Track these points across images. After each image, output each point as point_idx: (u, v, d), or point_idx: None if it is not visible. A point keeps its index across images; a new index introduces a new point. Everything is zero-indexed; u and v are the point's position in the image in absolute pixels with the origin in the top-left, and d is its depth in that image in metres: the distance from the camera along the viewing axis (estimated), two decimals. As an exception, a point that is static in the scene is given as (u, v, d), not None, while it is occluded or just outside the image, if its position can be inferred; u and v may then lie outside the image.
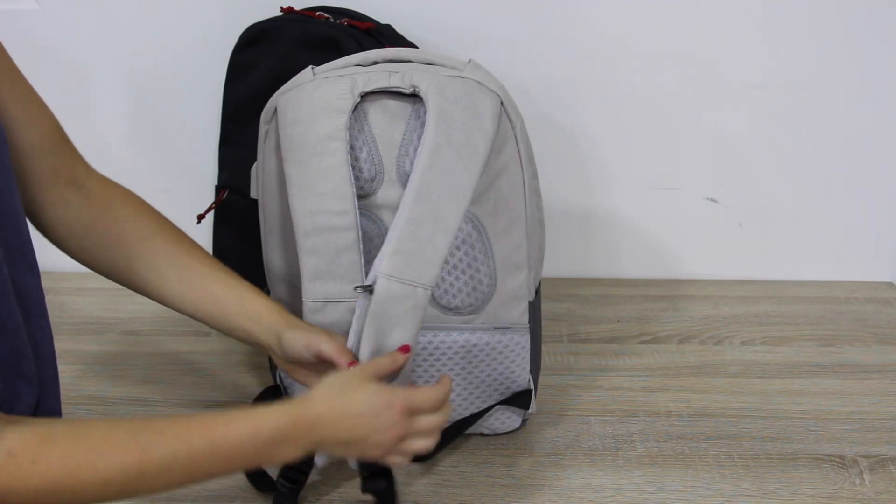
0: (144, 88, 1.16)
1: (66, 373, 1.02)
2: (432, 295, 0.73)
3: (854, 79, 1.10)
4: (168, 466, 0.56)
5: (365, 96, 0.74)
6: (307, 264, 0.75)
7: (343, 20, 0.96)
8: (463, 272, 0.77)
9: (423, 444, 0.67)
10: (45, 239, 0.73)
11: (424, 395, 0.66)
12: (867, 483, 0.82)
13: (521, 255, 0.79)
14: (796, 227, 1.20)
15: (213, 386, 0.99)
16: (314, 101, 0.75)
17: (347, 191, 0.73)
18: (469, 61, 0.78)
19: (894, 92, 1.11)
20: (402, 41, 1.00)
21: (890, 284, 1.22)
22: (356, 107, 0.74)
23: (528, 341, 0.83)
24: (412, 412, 0.65)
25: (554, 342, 1.07)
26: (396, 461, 0.67)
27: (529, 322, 0.83)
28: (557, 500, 0.80)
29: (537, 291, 0.85)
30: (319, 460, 0.73)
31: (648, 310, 1.15)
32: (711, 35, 1.08)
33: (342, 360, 0.69)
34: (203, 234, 1.18)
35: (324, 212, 0.74)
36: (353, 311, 0.73)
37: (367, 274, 0.74)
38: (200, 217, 1.08)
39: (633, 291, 1.20)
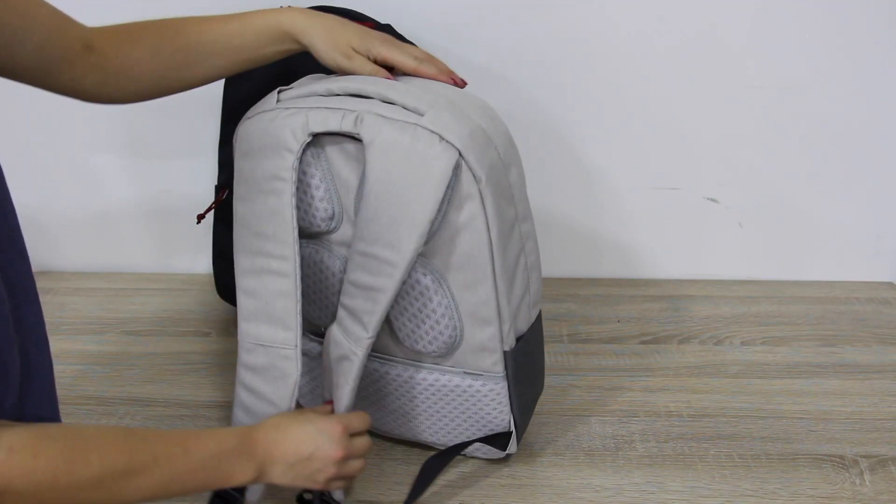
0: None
1: (66, 373, 1.02)
2: (399, 337, 0.76)
3: (854, 79, 1.10)
4: (151, 469, 0.59)
5: (319, 134, 0.71)
6: (243, 304, 0.75)
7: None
8: (423, 321, 0.75)
9: (359, 464, 0.73)
10: (101, 106, 0.79)
11: (356, 416, 0.74)
12: (867, 483, 0.82)
13: (488, 310, 0.74)
14: (796, 227, 1.20)
15: (213, 386, 0.99)
16: (267, 135, 0.72)
17: (289, 235, 0.71)
18: (440, 100, 0.69)
19: (894, 92, 1.11)
20: (402, 41, 1.00)
21: (890, 284, 1.22)
22: (314, 142, 0.71)
23: (505, 388, 0.79)
24: (350, 432, 0.72)
25: (554, 342, 1.07)
26: (337, 485, 0.73)
27: (506, 370, 0.78)
28: (557, 500, 0.80)
29: (524, 337, 0.79)
30: (252, 496, 0.76)
31: (648, 310, 1.15)
32: (712, 35, 1.08)
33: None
34: (203, 234, 1.18)
35: (262, 253, 0.72)
36: (285, 357, 0.74)
37: (301, 321, 0.73)
38: (200, 217, 1.08)
39: (633, 291, 1.20)
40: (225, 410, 0.94)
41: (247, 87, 1.02)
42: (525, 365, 0.80)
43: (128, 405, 0.96)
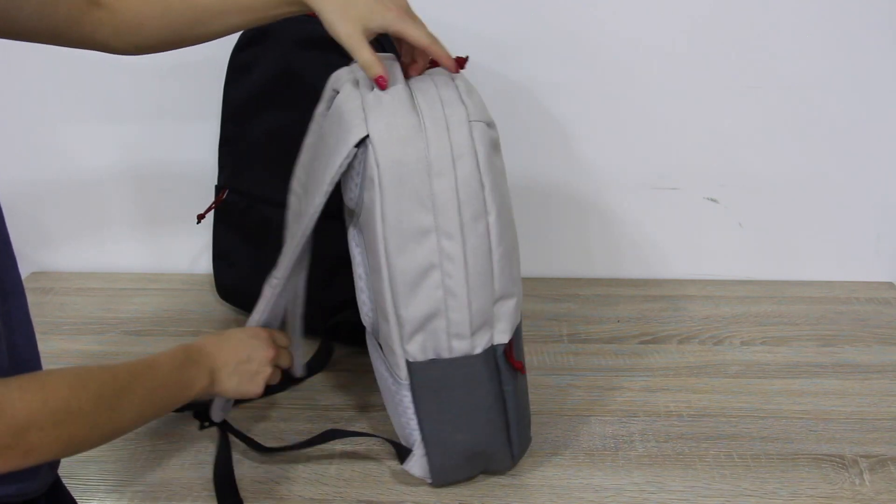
0: (144, 87, 1.16)
1: (66, 373, 1.02)
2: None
3: (854, 79, 1.10)
4: (132, 386, 0.66)
5: None
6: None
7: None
8: (358, 291, 0.79)
9: (286, 361, 0.87)
10: (114, 55, 0.79)
11: (275, 331, 0.88)
12: (867, 483, 0.82)
13: (383, 303, 0.73)
14: (796, 227, 1.20)
15: (213, 386, 0.99)
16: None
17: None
18: (404, 91, 0.71)
19: (894, 92, 1.11)
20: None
21: (890, 284, 1.22)
22: None
23: (411, 400, 0.76)
24: (273, 341, 0.85)
25: (554, 342, 1.07)
26: (272, 380, 0.85)
27: (411, 383, 0.76)
28: (557, 500, 0.80)
29: (444, 364, 0.74)
30: (216, 415, 0.87)
31: (648, 310, 1.15)
32: (711, 35, 1.08)
33: (370, 74, 0.72)
34: (203, 234, 1.18)
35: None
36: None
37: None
38: (200, 217, 1.08)
39: (633, 291, 1.20)
40: (225, 410, 0.94)
41: (247, 87, 1.03)
42: (445, 399, 0.75)
43: (128, 405, 0.96)
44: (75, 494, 0.75)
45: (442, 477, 0.81)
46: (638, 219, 1.21)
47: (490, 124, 0.72)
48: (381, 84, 0.71)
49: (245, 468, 0.85)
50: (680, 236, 1.22)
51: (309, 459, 0.86)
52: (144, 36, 0.77)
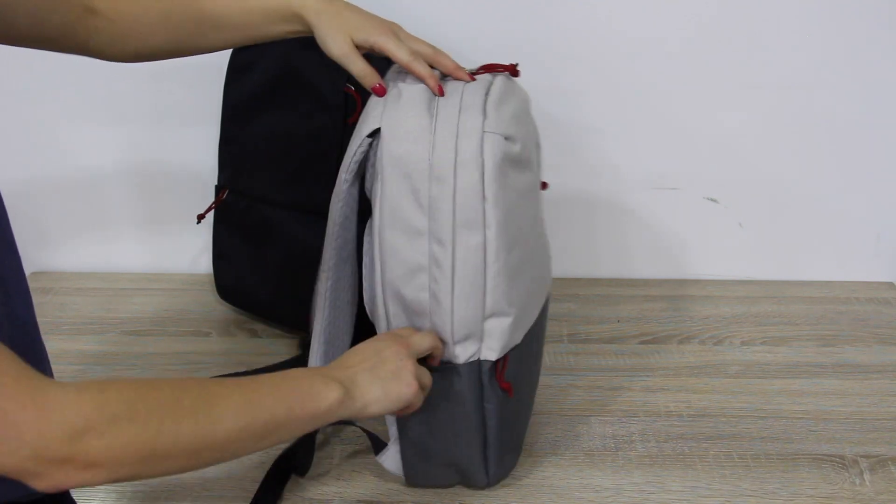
0: (144, 87, 1.16)
1: (66, 373, 1.02)
2: None
3: (854, 79, 1.10)
4: (231, 391, 0.57)
5: None
6: None
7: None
8: (363, 276, 0.78)
9: (426, 344, 0.71)
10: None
11: (418, 335, 0.72)
12: (867, 483, 0.82)
13: (374, 295, 0.75)
14: (796, 227, 1.20)
15: (213, 386, 0.99)
16: None
17: None
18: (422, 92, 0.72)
19: (894, 92, 1.11)
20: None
21: (890, 284, 1.22)
22: None
23: None
24: (394, 333, 0.72)
25: (554, 342, 1.07)
26: (418, 398, 0.70)
27: None
28: (557, 500, 0.80)
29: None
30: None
31: (648, 310, 1.15)
32: (712, 35, 1.08)
33: (366, 83, 0.73)
34: (203, 234, 1.18)
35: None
36: None
37: None
38: (200, 217, 1.08)
39: (633, 291, 1.20)
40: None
41: (247, 87, 1.03)
42: (424, 403, 0.73)
43: (128, 405, 0.96)
44: (75, 494, 0.75)
45: (414, 478, 0.81)
46: (638, 219, 1.21)
47: (510, 138, 0.70)
48: (379, 92, 0.72)
49: (244, 468, 0.85)
50: (680, 236, 1.22)
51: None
52: (141, 44, 0.77)
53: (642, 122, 1.14)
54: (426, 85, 0.72)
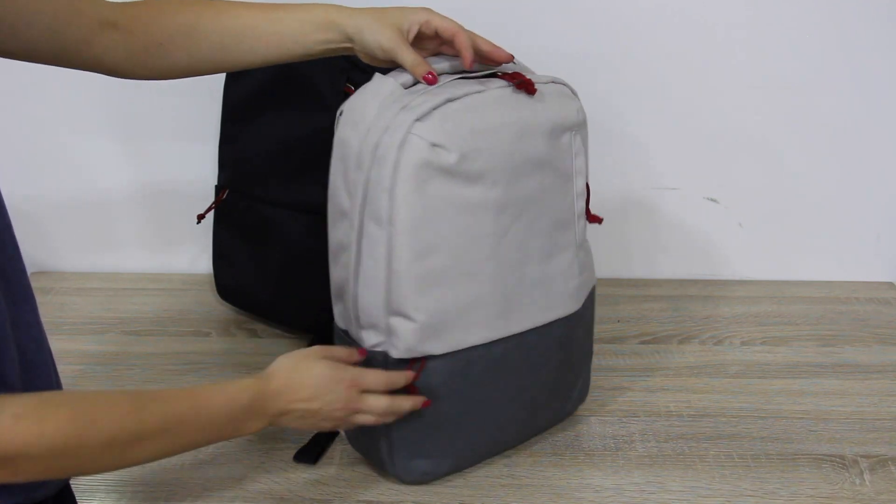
0: (144, 87, 1.16)
1: (67, 373, 1.01)
2: None
3: (854, 79, 1.10)
4: (161, 433, 0.60)
5: None
6: None
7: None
8: None
9: (370, 419, 0.74)
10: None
11: (373, 375, 0.73)
12: (867, 483, 0.82)
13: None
14: (796, 227, 1.20)
15: (213, 386, 0.99)
16: None
17: None
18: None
19: (894, 92, 1.11)
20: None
21: (890, 284, 1.22)
22: None
23: None
24: (360, 390, 0.72)
25: (554, 342, 1.07)
26: (349, 427, 0.76)
27: (333, 343, 0.80)
28: (557, 500, 0.80)
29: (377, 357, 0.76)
30: None
31: (648, 310, 1.15)
32: (712, 35, 1.08)
33: (417, 73, 0.72)
34: (203, 234, 1.18)
35: None
36: None
37: None
38: (200, 217, 1.08)
39: (633, 291, 1.20)
40: (225, 410, 0.94)
41: (247, 87, 1.03)
42: None
43: (128, 405, 0.96)
44: (75, 494, 0.75)
45: (353, 438, 0.85)
46: (638, 219, 1.21)
47: (440, 146, 0.69)
48: (431, 82, 0.71)
49: (244, 468, 0.85)
50: (680, 236, 1.22)
51: (309, 459, 0.86)
52: (161, 60, 0.74)
53: (642, 122, 1.14)
54: (462, 56, 0.73)
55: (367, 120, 0.70)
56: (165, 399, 0.62)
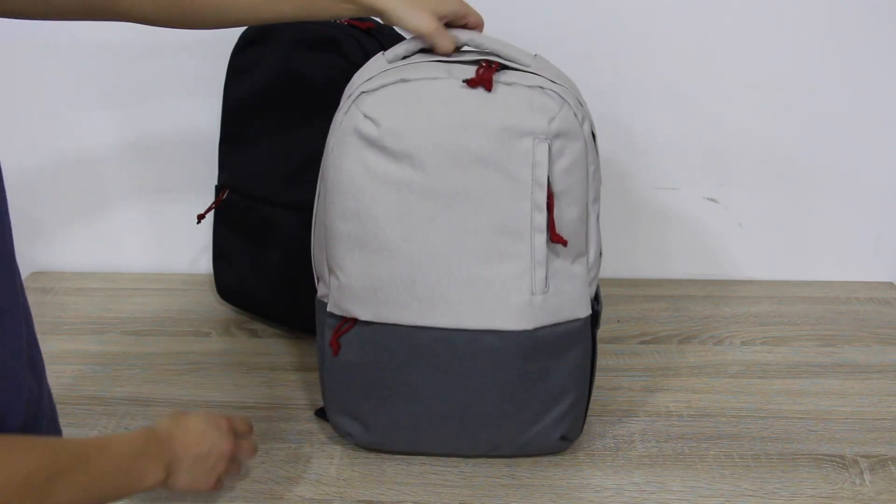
0: (145, 88, 1.16)
1: (67, 373, 1.02)
2: None
3: (854, 79, 1.10)
4: (73, 470, 0.58)
5: None
6: None
7: (343, 20, 0.96)
8: None
9: (248, 460, 0.80)
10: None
11: (237, 419, 0.79)
12: (867, 483, 0.82)
13: None
14: (796, 227, 1.20)
15: (213, 386, 0.99)
16: None
17: None
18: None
19: (894, 92, 1.11)
20: (402, 40, 1.00)
21: (890, 284, 1.22)
22: None
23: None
24: (234, 432, 0.76)
25: (554, 342, 1.07)
26: (220, 484, 0.75)
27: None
28: (557, 500, 0.80)
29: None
30: None
31: (648, 310, 1.15)
32: (712, 35, 1.08)
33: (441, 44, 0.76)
34: (203, 234, 1.18)
35: None
36: None
37: None
38: (200, 217, 1.08)
39: (634, 291, 1.20)
40: (225, 410, 0.94)
41: (247, 87, 1.03)
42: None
43: (128, 405, 0.96)
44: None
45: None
46: (638, 219, 1.21)
47: (370, 118, 0.72)
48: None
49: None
50: (680, 236, 1.22)
51: (309, 459, 0.86)
52: (192, 12, 0.75)
53: (642, 122, 1.14)
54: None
55: (350, 87, 0.76)
56: (73, 442, 0.61)
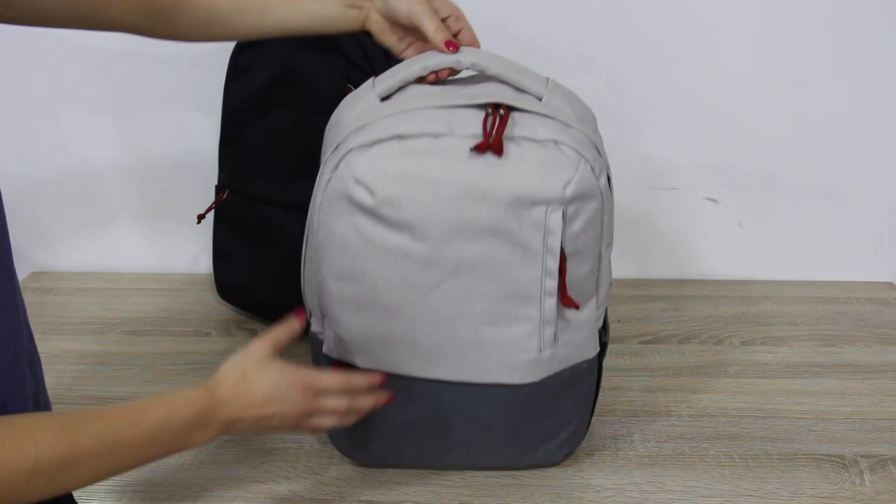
0: (145, 87, 1.16)
1: (67, 373, 1.02)
2: None
3: (854, 78, 1.10)
4: (96, 451, 0.56)
5: None
6: None
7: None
8: None
9: (328, 422, 0.70)
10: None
11: (328, 377, 0.69)
12: (867, 483, 0.82)
13: None
14: (796, 227, 1.20)
15: (213, 386, 0.99)
16: None
17: None
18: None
19: (894, 92, 1.11)
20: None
21: (890, 284, 1.22)
22: None
23: None
24: (316, 392, 0.68)
25: (554, 342, 1.07)
26: (306, 431, 0.75)
27: None
28: (557, 500, 0.80)
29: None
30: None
31: (648, 310, 1.15)
32: (712, 35, 1.08)
33: (438, 38, 0.73)
34: (203, 234, 1.18)
35: None
36: None
37: None
38: (200, 217, 1.08)
39: (633, 291, 1.20)
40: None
41: (247, 88, 1.02)
42: None
43: (128, 405, 0.96)
44: (75, 494, 0.75)
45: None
46: (638, 219, 1.21)
47: (362, 183, 0.66)
48: (452, 47, 0.72)
49: (244, 468, 0.85)
50: (680, 236, 1.22)
51: (309, 459, 0.86)
52: (175, 23, 0.76)
53: (642, 122, 1.14)
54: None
55: (337, 126, 0.71)
56: (100, 418, 0.58)
